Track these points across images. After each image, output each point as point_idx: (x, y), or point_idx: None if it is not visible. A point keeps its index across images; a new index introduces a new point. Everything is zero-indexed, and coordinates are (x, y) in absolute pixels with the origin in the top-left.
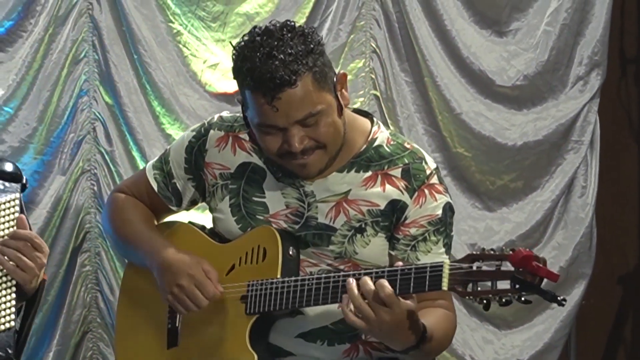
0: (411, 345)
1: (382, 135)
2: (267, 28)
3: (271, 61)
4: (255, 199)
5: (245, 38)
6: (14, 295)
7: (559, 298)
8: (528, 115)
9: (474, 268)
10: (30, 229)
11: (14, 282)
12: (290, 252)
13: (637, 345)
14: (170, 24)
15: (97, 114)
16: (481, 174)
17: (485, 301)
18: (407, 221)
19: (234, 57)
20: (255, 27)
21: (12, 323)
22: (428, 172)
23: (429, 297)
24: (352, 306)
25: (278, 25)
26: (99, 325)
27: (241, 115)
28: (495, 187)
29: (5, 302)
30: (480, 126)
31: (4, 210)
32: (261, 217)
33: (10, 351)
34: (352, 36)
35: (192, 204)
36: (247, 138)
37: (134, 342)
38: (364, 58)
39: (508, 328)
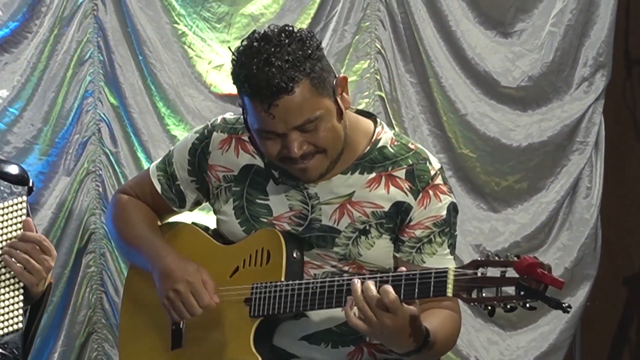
0: (412, 349)
1: (385, 136)
2: (265, 33)
3: (268, 68)
4: (259, 201)
5: (244, 43)
6: (21, 297)
7: (563, 305)
8: (533, 116)
9: (479, 274)
10: (37, 232)
11: (21, 284)
12: (295, 255)
13: None
14: (176, 25)
15: (102, 115)
16: (486, 175)
17: (490, 307)
18: (411, 223)
19: (232, 63)
20: (254, 31)
21: (20, 325)
22: (432, 172)
23: (434, 298)
24: (355, 309)
25: (276, 30)
26: (104, 326)
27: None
28: (500, 188)
29: (12, 304)
30: (485, 127)
31: (11, 213)
32: (265, 220)
33: (17, 352)
34: (357, 37)
35: (196, 204)
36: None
37: (137, 343)
38: (369, 59)
39: (513, 329)
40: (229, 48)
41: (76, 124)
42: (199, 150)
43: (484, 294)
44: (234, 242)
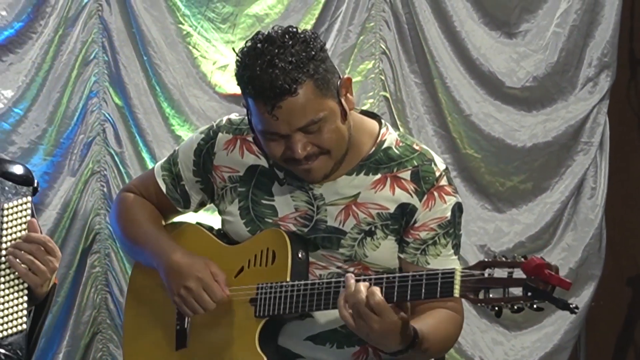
0: (399, 350)
1: (390, 137)
2: (269, 34)
3: (271, 70)
4: (264, 202)
5: (248, 44)
6: (25, 298)
7: (571, 306)
8: (537, 116)
9: (486, 275)
10: (41, 232)
11: (25, 285)
12: (300, 255)
13: None
14: (180, 26)
15: (107, 115)
16: (491, 175)
17: (497, 308)
18: (416, 224)
19: (236, 64)
20: (258, 32)
21: (24, 326)
22: (437, 174)
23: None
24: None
25: (280, 31)
26: (109, 326)
27: None
28: (505, 188)
29: (17, 305)
30: (490, 127)
31: (16, 213)
32: (270, 220)
33: (20, 353)
34: (361, 37)
35: (201, 205)
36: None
37: (142, 343)
38: (374, 59)
39: (518, 329)
40: (233, 49)
41: (81, 125)
42: (204, 150)
43: (490, 295)
44: (238, 242)
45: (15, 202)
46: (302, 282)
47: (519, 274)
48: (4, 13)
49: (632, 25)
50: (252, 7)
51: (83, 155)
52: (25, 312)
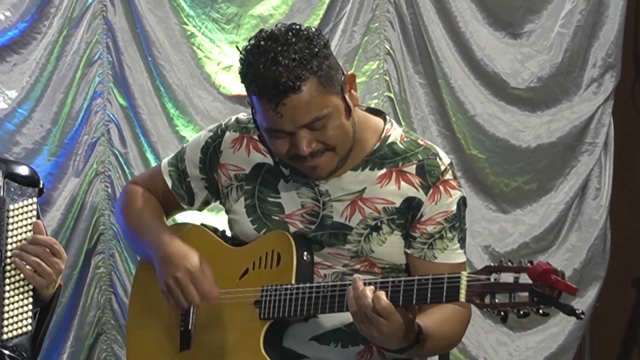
0: (403, 347)
1: (395, 132)
2: (272, 32)
3: (275, 67)
4: (271, 199)
5: (252, 42)
6: (31, 299)
7: (577, 311)
8: (542, 117)
9: (492, 280)
10: (47, 234)
11: (31, 287)
12: (305, 258)
13: None
14: (184, 26)
15: (111, 115)
16: (495, 175)
17: (502, 313)
18: (422, 219)
19: (240, 61)
20: (261, 30)
21: (29, 327)
22: (442, 168)
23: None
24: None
25: (283, 29)
26: (113, 327)
27: None
28: (510, 189)
29: (22, 307)
30: (494, 128)
31: (21, 214)
32: (277, 218)
33: (25, 355)
34: (366, 38)
35: (205, 204)
36: None
37: (145, 344)
38: (378, 60)
39: (522, 330)
40: (237, 47)
41: (85, 125)
42: (211, 149)
43: (497, 300)
44: (243, 244)
45: (20, 203)
46: (307, 285)
47: (525, 279)
48: (8, 14)
49: (636, 25)
50: (256, 7)
51: (87, 155)
52: (30, 313)
